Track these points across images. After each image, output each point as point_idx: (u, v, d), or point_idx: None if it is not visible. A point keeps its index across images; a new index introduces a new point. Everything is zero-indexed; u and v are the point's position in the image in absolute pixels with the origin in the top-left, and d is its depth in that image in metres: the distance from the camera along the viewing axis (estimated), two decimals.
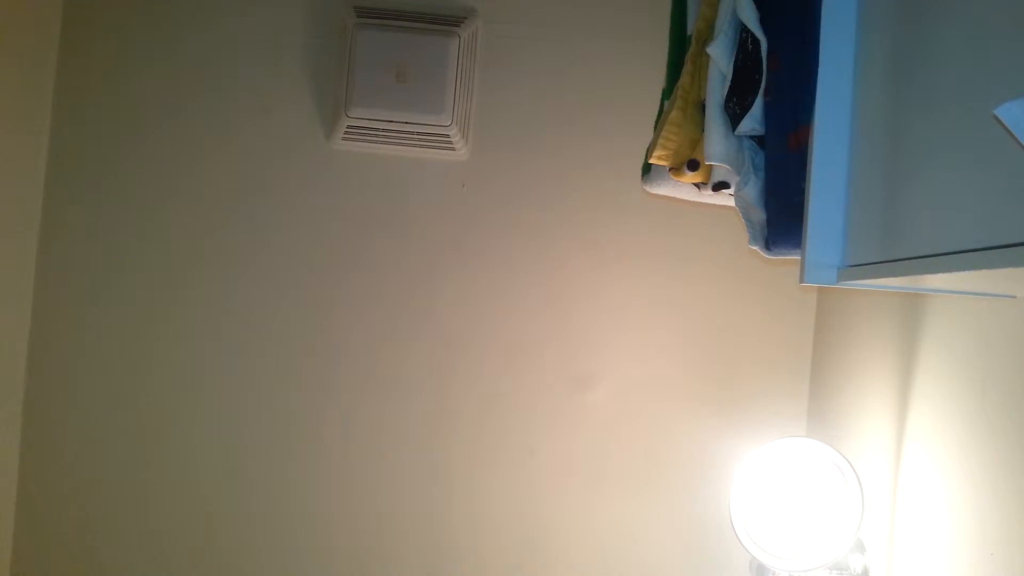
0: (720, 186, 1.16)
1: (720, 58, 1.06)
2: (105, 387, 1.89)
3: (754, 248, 1.11)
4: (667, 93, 1.34)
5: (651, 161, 1.23)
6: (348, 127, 1.85)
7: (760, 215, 1.08)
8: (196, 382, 1.90)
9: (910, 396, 1.32)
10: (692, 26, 1.20)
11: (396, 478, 1.89)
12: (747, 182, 1.08)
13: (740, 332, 1.89)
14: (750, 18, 1.01)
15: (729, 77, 1.06)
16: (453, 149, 1.87)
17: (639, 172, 1.46)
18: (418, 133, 1.84)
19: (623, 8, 1.90)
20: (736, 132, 1.06)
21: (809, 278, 0.86)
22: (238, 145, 1.90)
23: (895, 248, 0.74)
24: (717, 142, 1.08)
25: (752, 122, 1.03)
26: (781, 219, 1.01)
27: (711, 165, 1.14)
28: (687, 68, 1.17)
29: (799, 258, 0.89)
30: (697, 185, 1.24)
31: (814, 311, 1.89)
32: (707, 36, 1.12)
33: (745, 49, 1.05)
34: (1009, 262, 0.56)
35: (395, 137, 1.85)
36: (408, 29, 1.83)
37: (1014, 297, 1.00)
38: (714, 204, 1.36)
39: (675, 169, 1.20)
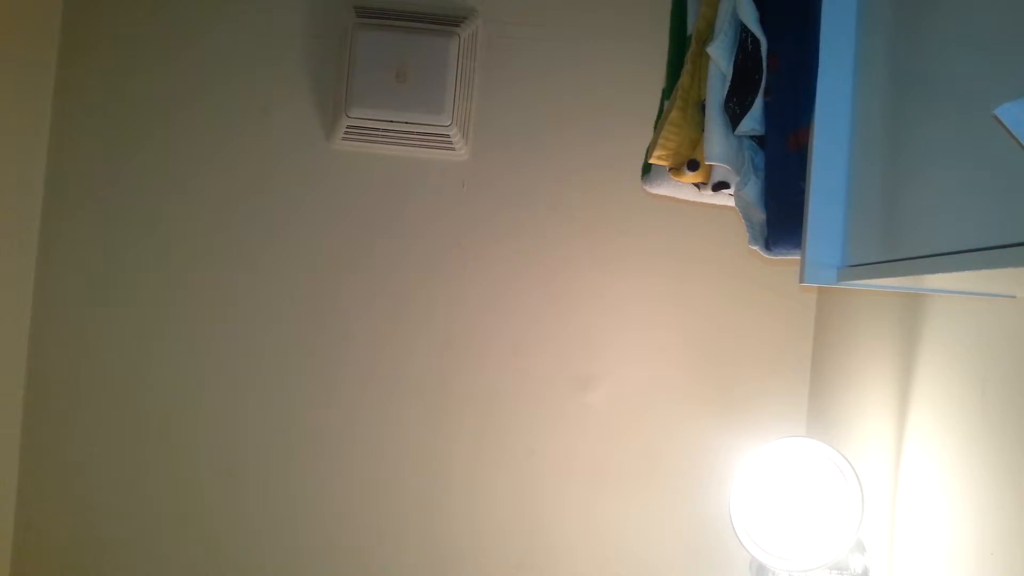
0: (720, 186, 1.16)
1: (720, 58, 1.06)
2: (105, 387, 1.89)
3: (754, 248, 1.12)
4: (667, 93, 1.34)
5: (651, 161, 1.23)
6: (348, 127, 1.85)
7: (760, 215, 1.08)
8: (196, 382, 1.89)
9: (910, 396, 1.32)
10: (692, 26, 1.20)
11: (396, 478, 1.89)
12: (747, 182, 1.08)
13: (740, 332, 1.89)
14: (750, 18, 1.01)
15: (729, 77, 1.06)
16: (453, 149, 1.87)
17: (639, 172, 1.46)
18: (418, 133, 1.84)
19: (623, 8, 1.90)
20: (736, 132, 1.06)
21: (809, 278, 0.86)
22: (238, 145, 1.90)
23: (895, 248, 0.74)
24: (717, 142, 1.08)
25: (752, 122, 1.03)
26: (781, 219, 1.01)
27: (711, 165, 1.14)
28: (687, 68, 1.17)
29: (799, 258, 0.89)
30: (697, 185, 1.24)
31: (814, 311, 1.89)
32: (707, 36, 1.12)
33: (745, 49, 1.05)
34: (1009, 262, 0.56)
35: (395, 137, 1.85)
36: (408, 29, 1.83)
37: (1014, 297, 1.00)
38: (714, 204, 1.36)
39: (675, 169, 1.20)
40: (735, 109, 1.06)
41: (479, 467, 1.90)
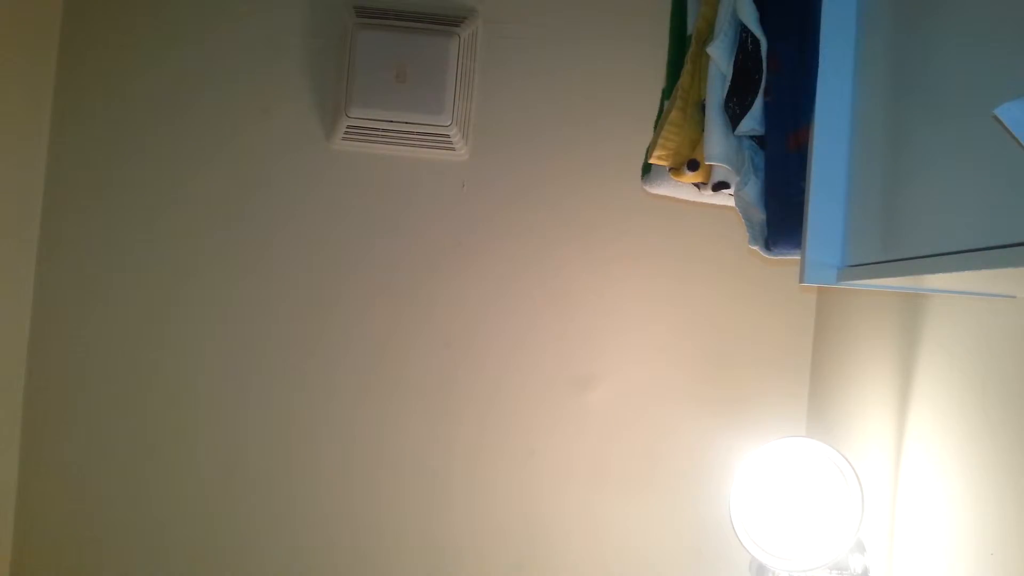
0: (720, 186, 1.16)
1: (720, 58, 1.06)
2: (105, 387, 1.89)
3: (754, 248, 1.12)
4: (667, 93, 1.34)
5: (651, 161, 1.23)
6: (348, 127, 1.85)
7: (760, 215, 1.08)
8: (196, 382, 1.89)
9: (910, 396, 1.32)
10: (692, 26, 1.20)
11: (396, 478, 1.89)
12: (747, 182, 1.08)
13: (740, 332, 1.89)
14: (750, 18, 1.01)
15: (729, 77, 1.06)
16: (453, 149, 1.87)
17: (639, 172, 1.46)
18: (418, 133, 1.84)
19: (623, 8, 1.90)
20: (736, 132, 1.06)
21: (809, 278, 0.86)
22: (238, 146, 1.90)
23: (895, 248, 0.74)
24: (717, 142, 1.08)
25: (752, 122, 1.03)
26: (781, 219, 1.01)
27: (711, 165, 1.14)
28: (687, 68, 1.17)
29: (799, 258, 0.89)
30: (697, 185, 1.24)
31: (814, 311, 1.89)
32: (707, 36, 1.12)
33: (745, 49, 1.05)
34: (1009, 262, 0.56)
35: (395, 137, 1.85)
36: (408, 29, 1.83)
37: (1014, 297, 1.00)
38: (714, 204, 1.36)
39: (675, 169, 1.20)
40: (735, 109, 1.06)
41: (479, 467, 1.90)
